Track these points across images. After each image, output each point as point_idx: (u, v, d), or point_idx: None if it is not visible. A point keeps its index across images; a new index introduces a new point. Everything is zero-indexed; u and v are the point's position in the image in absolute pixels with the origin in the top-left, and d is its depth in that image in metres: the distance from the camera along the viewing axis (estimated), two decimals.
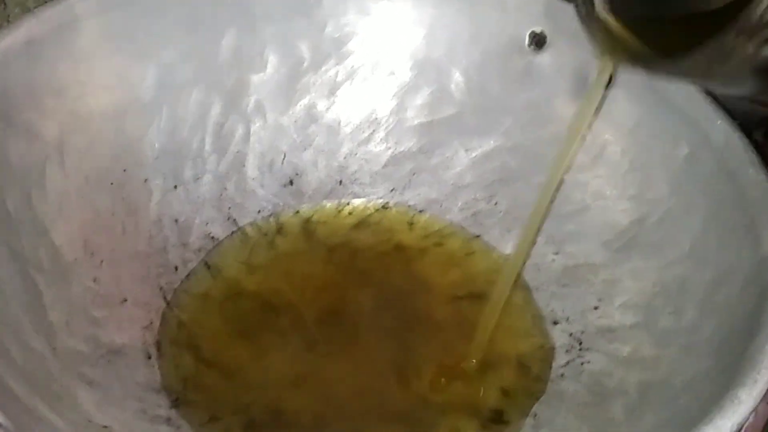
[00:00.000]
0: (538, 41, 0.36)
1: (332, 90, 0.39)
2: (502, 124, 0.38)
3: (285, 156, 0.39)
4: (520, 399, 0.31)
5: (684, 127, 0.32)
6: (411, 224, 0.39)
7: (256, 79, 0.38)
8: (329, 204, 0.39)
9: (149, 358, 0.32)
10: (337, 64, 0.39)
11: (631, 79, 0.32)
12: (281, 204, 0.39)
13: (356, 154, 0.40)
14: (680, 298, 0.29)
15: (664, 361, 0.28)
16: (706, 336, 0.27)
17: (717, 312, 0.27)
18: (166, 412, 0.30)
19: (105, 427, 0.27)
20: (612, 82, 0.32)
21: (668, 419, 0.25)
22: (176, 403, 0.31)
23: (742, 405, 0.20)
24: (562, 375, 0.32)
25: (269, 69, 0.38)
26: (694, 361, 0.26)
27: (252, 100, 0.38)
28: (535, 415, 0.30)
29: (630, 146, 0.34)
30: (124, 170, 0.35)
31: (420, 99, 0.39)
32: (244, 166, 0.38)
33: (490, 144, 0.38)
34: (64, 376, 0.28)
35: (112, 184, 0.34)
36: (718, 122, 0.30)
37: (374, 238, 0.38)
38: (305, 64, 0.38)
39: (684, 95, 0.32)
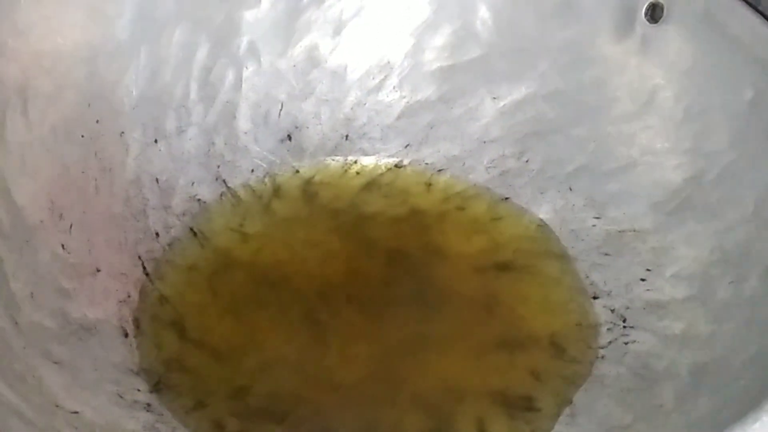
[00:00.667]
0: None
1: (337, 29, 0.39)
2: (537, 68, 0.38)
3: (282, 106, 0.39)
4: (554, 384, 0.31)
5: (748, 68, 0.31)
6: (429, 185, 0.39)
7: (249, 15, 0.38)
8: (334, 162, 0.39)
9: (126, 336, 0.32)
10: None
11: (687, 11, 0.32)
12: (278, 162, 0.39)
13: (365, 104, 0.40)
14: (742, 266, 0.29)
15: (722, 338, 0.28)
16: None
17: None
18: (146, 396, 0.30)
19: (75, 412, 0.27)
20: (663, 14, 0.32)
21: (725, 403, 0.25)
22: (157, 386, 0.31)
23: None
24: (602, 357, 0.32)
25: (264, 4, 0.38)
26: (757, 336, 0.26)
27: (244, 40, 0.38)
28: (571, 402, 0.30)
29: (685, 91, 0.34)
30: (97, 121, 0.35)
31: (440, 39, 0.39)
32: (235, 117, 0.38)
33: (521, 91, 0.38)
34: (28, 355, 0.28)
35: (82, 136, 0.34)
36: None
37: (386, 202, 0.38)
38: None
39: (748, 30, 0.31)
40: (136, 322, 0.33)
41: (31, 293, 0.30)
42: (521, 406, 0.31)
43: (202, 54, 0.38)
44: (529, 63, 0.38)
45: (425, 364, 0.32)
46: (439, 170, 0.39)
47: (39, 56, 0.33)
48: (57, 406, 0.27)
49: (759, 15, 0.31)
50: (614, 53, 0.36)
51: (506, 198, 0.38)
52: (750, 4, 0.31)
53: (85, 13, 0.34)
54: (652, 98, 0.35)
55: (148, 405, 0.30)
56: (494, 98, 0.38)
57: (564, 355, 0.32)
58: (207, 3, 0.37)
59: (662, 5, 0.34)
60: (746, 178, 0.31)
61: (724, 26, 0.32)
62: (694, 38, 0.33)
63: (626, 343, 0.31)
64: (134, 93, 0.36)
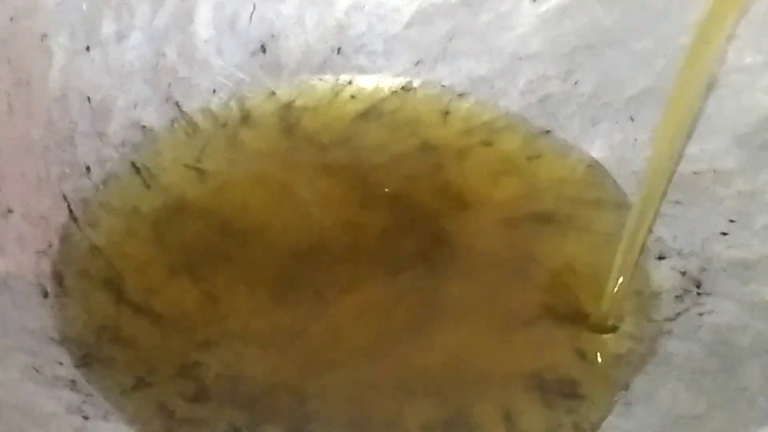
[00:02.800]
0: None
1: None
2: None
3: (254, 8, 0.40)
4: (605, 365, 0.32)
5: None
6: (445, 114, 0.39)
7: None
8: (321, 83, 0.40)
9: (46, 295, 0.32)
10: None
11: None
12: (248, 81, 0.39)
13: (364, 6, 0.40)
14: None
15: None
16: None
17: None
18: (70, 372, 0.31)
19: None
20: None
21: None
22: (85, 360, 0.31)
23: None
24: (669, 331, 0.32)
25: None
26: None
27: None
28: (627, 388, 0.31)
29: None
30: (11, 18, 0.35)
31: None
32: (191, 21, 0.39)
33: None
34: None
35: None
36: None
37: (389, 134, 0.39)
38: None
39: None
40: (59, 279, 0.33)
41: None
42: (562, 392, 0.31)
43: None
44: None
45: (436, 341, 0.33)
46: (460, 94, 0.40)
47: None
48: None
49: None
50: None
51: (547, 131, 0.38)
52: None
53: None
54: None
55: (73, 382, 0.30)
56: (533, 0, 0.38)
57: (619, 330, 0.32)
58: None
59: None
60: None
61: None
62: None
63: (701, 314, 0.32)
64: None
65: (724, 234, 0.33)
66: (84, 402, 0.30)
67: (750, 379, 0.29)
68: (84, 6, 0.37)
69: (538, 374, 0.32)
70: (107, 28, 0.38)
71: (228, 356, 0.32)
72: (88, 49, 0.37)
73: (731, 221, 0.33)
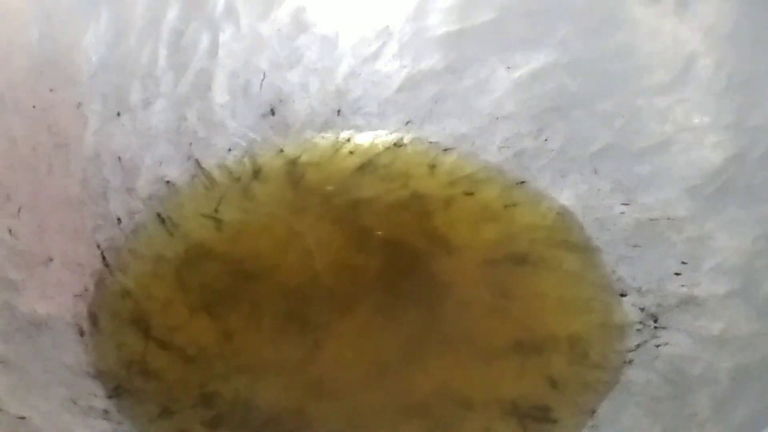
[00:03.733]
0: None
1: None
2: (556, 33, 0.39)
3: (265, 76, 0.40)
4: (574, 392, 0.31)
5: None
6: (433, 167, 0.39)
7: None
8: (323, 140, 0.40)
9: (82, 334, 0.32)
10: None
11: None
12: (259, 140, 0.39)
13: (360, 74, 0.40)
14: None
15: (765, 338, 0.28)
16: None
17: None
18: (103, 402, 0.31)
19: (21, 417, 0.28)
20: None
21: (766, 409, 0.25)
22: (116, 391, 0.31)
23: None
24: (630, 361, 0.32)
25: None
26: None
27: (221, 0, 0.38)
28: (594, 413, 0.30)
29: (727, 57, 0.34)
30: (51, 90, 0.35)
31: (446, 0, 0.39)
32: (210, 88, 0.39)
33: (539, 59, 0.39)
34: None
35: (34, 107, 0.35)
36: None
37: (383, 186, 0.39)
38: None
39: None
40: (94, 319, 0.33)
41: None
42: (536, 416, 0.31)
43: (172, 15, 0.38)
44: (548, 27, 0.38)
45: (426, 370, 0.33)
46: (445, 150, 0.39)
47: None
48: (1, 410, 0.27)
49: None
50: (645, 15, 0.36)
51: (522, 182, 0.38)
52: None
53: None
54: (688, 66, 0.35)
55: (106, 412, 0.30)
56: (508, 68, 0.39)
57: (586, 359, 0.32)
58: None
59: None
60: None
61: None
62: None
63: (657, 346, 0.32)
64: (94, 59, 0.37)
65: (677, 274, 0.33)
66: (115, 430, 0.30)
67: (699, 406, 0.29)
68: (114, 77, 0.37)
69: (514, 401, 0.32)
70: (135, 96, 0.37)
71: (241, 386, 0.32)
72: (118, 114, 0.37)
73: (683, 263, 0.33)
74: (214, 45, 0.39)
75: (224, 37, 0.39)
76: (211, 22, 0.39)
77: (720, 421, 0.27)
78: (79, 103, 0.36)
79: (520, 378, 0.32)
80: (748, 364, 0.28)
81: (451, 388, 0.32)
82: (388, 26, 0.40)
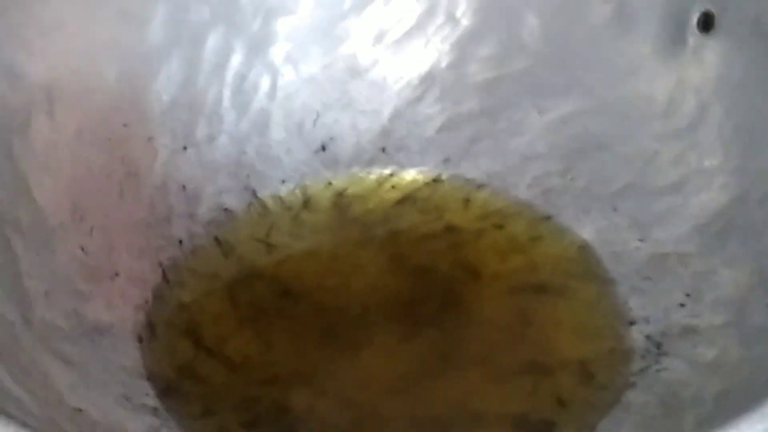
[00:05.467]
0: None
1: (378, 37, 0.42)
2: (584, 81, 0.40)
3: (318, 116, 0.42)
4: (578, 410, 0.33)
5: None
6: (467, 201, 0.41)
7: (286, 22, 0.42)
8: (368, 175, 0.42)
9: (140, 341, 0.35)
10: (386, 4, 0.42)
11: (737, 20, 0.34)
12: (310, 173, 0.41)
13: (404, 116, 0.42)
14: None
15: (750, 364, 0.30)
16: None
17: None
18: (153, 401, 0.33)
19: (78, 410, 0.30)
20: (714, 24, 0.34)
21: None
22: (166, 392, 0.34)
23: None
24: (633, 384, 0.33)
25: (302, 10, 0.41)
26: None
27: (281, 47, 0.42)
28: (594, 429, 0.32)
29: (736, 105, 0.35)
30: (125, 125, 0.38)
31: (485, 49, 0.42)
32: (267, 126, 0.41)
33: (568, 105, 0.40)
34: (36, 351, 0.31)
35: (109, 140, 0.38)
36: None
37: (421, 217, 0.40)
38: (346, 5, 0.41)
39: None
40: (152, 328, 0.35)
41: (46, 292, 0.33)
42: (541, 430, 0.32)
43: (236, 60, 0.41)
44: (577, 76, 0.40)
45: (445, 385, 0.34)
46: (479, 186, 0.41)
47: (67, 56, 0.36)
48: (61, 401, 0.30)
49: None
50: (665, 66, 0.38)
51: (548, 217, 0.39)
52: None
53: (117, 14, 0.38)
54: (702, 113, 0.36)
55: (155, 409, 0.32)
56: (540, 112, 0.40)
57: (593, 381, 0.34)
58: (243, 7, 0.40)
59: (713, 14, 0.36)
60: None
61: None
62: (744, 48, 0.35)
63: (658, 371, 0.33)
64: (164, 98, 0.39)
65: (682, 305, 0.35)
66: (162, 426, 0.32)
67: (686, 424, 0.30)
68: (182, 115, 0.40)
69: (524, 416, 0.33)
70: (201, 131, 0.40)
71: (277, 393, 0.34)
72: (185, 148, 0.40)
73: (687, 295, 0.35)
74: (273, 88, 0.41)
75: (283, 80, 0.41)
76: (271, 67, 0.41)
77: None
78: (150, 137, 0.39)
79: (531, 396, 0.34)
80: (731, 387, 0.30)
81: (466, 403, 0.34)
82: (431, 72, 0.42)
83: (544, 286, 0.37)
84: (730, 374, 0.30)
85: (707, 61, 0.36)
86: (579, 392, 0.33)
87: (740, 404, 0.27)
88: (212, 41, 0.40)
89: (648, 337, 0.34)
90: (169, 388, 0.34)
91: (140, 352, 0.35)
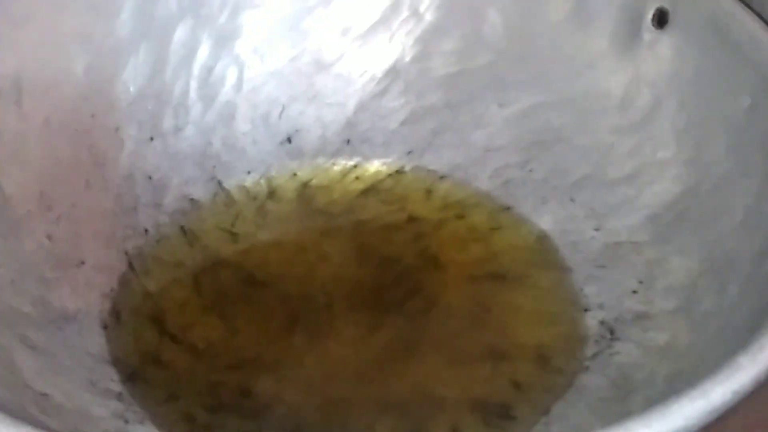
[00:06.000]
0: None
1: (344, 31, 0.43)
2: (545, 75, 0.41)
3: (283, 108, 0.42)
4: (534, 394, 0.34)
5: (747, 74, 0.34)
6: (429, 192, 0.42)
7: (252, 15, 0.42)
8: (333, 166, 0.42)
9: (105, 327, 0.35)
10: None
11: (692, 17, 0.35)
12: (275, 164, 0.42)
13: (369, 108, 0.43)
14: (726, 275, 0.32)
15: (699, 347, 0.31)
16: (744, 314, 0.29)
17: (759, 286, 0.29)
18: (118, 386, 0.33)
19: (44, 394, 0.31)
20: (668, 19, 0.35)
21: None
22: (131, 378, 0.34)
23: (741, 371, 0.23)
24: (586, 368, 0.34)
25: (269, 3, 0.42)
26: (728, 343, 0.28)
27: (247, 40, 0.42)
28: (548, 411, 0.33)
29: (688, 99, 0.36)
30: (92, 115, 0.39)
31: (448, 44, 0.43)
32: (234, 118, 0.42)
33: (528, 99, 0.41)
34: (2, 336, 0.32)
35: (76, 130, 0.38)
36: None
37: (384, 208, 0.41)
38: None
39: (747, 36, 0.34)
40: (117, 315, 0.36)
41: (12, 280, 0.34)
42: (498, 414, 0.33)
43: (203, 53, 0.41)
44: (537, 71, 0.41)
45: (406, 371, 0.35)
46: (441, 177, 0.42)
47: (36, 47, 0.37)
48: (27, 386, 0.31)
49: (759, 20, 0.34)
50: (621, 61, 0.39)
51: (508, 207, 0.40)
52: (748, 6, 0.34)
53: (86, 7, 0.38)
54: (656, 107, 0.37)
55: (120, 394, 0.33)
56: (500, 105, 0.41)
57: (548, 365, 0.35)
58: (209, 1, 0.41)
59: (668, 10, 0.37)
60: (738, 187, 0.33)
61: (726, 32, 0.35)
62: (698, 45, 0.36)
63: (611, 355, 0.34)
64: (132, 89, 0.40)
65: (635, 292, 0.35)
66: (126, 410, 0.33)
67: (635, 405, 0.31)
68: (149, 106, 0.40)
69: (481, 399, 0.34)
70: (167, 123, 0.41)
71: (241, 377, 0.35)
72: (152, 139, 0.40)
73: (640, 282, 0.35)
74: (240, 80, 0.42)
75: (249, 73, 0.42)
76: (238, 60, 0.42)
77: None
78: (117, 128, 0.39)
79: (489, 381, 0.35)
80: (681, 370, 0.30)
81: (426, 388, 0.35)
82: (395, 66, 0.42)
83: (504, 274, 0.38)
84: (680, 357, 0.31)
85: (662, 56, 0.37)
86: (535, 376, 0.34)
87: (688, 384, 0.28)
88: (179, 34, 0.41)
89: (602, 322, 0.35)
90: (134, 374, 0.34)
91: (105, 339, 0.35)
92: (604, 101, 0.39)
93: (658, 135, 0.37)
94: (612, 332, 0.35)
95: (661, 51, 0.38)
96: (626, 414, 0.28)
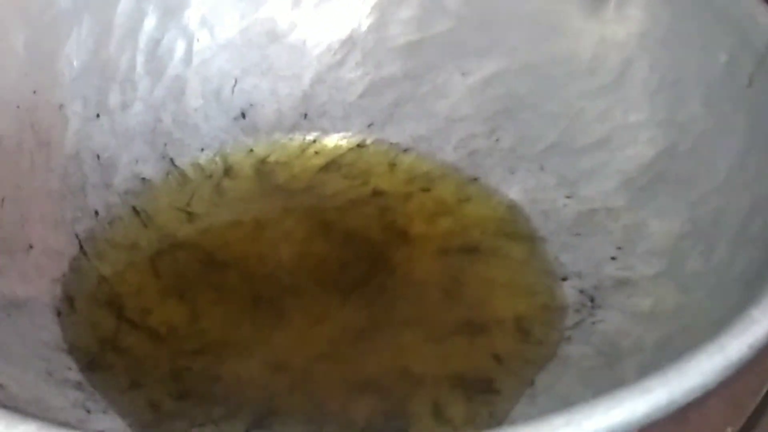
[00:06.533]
0: None
1: (297, 1, 0.41)
2: (507, 41, 0.40)
3: (236, 82, 0.41)
4: (516, 366, 0.33)
5: (722, 31, 0.33)
6: (392, 166, 0.40)
7: None
8: (291, 142, 0.41)
9: (59, 314, 0.33)
10: None
11: None
12: (230, 141, 0.41)
13: (326, 81, 0.42)
14: (712, 235, 0.31)
15: (688, 310, 0.30)
16: (736, 273, 0.28)
17: (751, 244, 0.28)
18: (77, 375, 0.32)
19: None
20: None
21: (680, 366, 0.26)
22: (90, 366, 0.32)
23: (755, 324, 0.22)
24: (568, 338, 0.33)
25: None
26: (721, 303, 0.28)
27: (196, 11, 0.41)
28: (533, 383, 0.32)
29: (660, 59, 0.36)
30: (34, 92, 0.37)
31: (406, 11, 0.41)
32: (184, 93, 0.40)
33: (492, 66, 0.40)
34: None
35: (18, 107, 0.36)
36: (760, 21, 0.31)
37: (346, 183, 0.40)
38: None
39: None
40: (70, 301, 0.34)
41: None
42: (480, 388, 0.32)
43: (149, 25, 0.40)
44: (499, 36, 0.40)
45: (380, 348, 0.34)
46: (405, 150, 0.41)
47: None
48: None
49: None
50: (587, 24, 0.38)
51: (475, 179, 0.39)
52: None
53: None
54: (626, 69, 0.37)
55: (79, 384, 0.31)
56: (463, 74, 0.40)
57: (528, 337, 0.34)
58: None
59: None
60: (719, 146, 0.32)
61: None
62: (669, 2, 0.35)
63: (594, 323, 0.33)
64: (75, 64, 0.38)
65: (614, 258, 0.35)
66: (87, 399, 0.31)
67: (626, 373, 0.30)
68: (94, 81, 0.38)
69: (461, 375, 0.33)
70: (114, 99, 0.39)
71: (207, 362, 0.33)
72: (98, 116, 0.38)
73: (618, 248, 0.35)
74: (189, 53, 0.40)
75: (198, 45, 0.40)
76: (186, 31, 0.40)
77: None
78: (61, 105, 0.37)
79: (467, 355, 0.33)
80: (671, 333, 0.30)
81: (403, 365, 0.33)
82: (351, 36, 0.41)
83: (475, 246, 0.37)
84: (669, 321, 0.30)
85: (630, 16, 0.37)
86: (515, 348, 0.33)
87: (682, 349, 0.27)
88: (124, 4, 0.39)
89: (581, 291, 0.34)
90: (93, 362, 0.33)
91: (60, 326, 0.33)
92: (571, 65, 0.38)
93: (629, 97, 0.36)
94: (592, 300, 0.34)
95: (630, 11, 0.37)
96: (618, 381, 0.28)
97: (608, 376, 0.30)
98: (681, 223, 0.33)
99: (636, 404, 0.20)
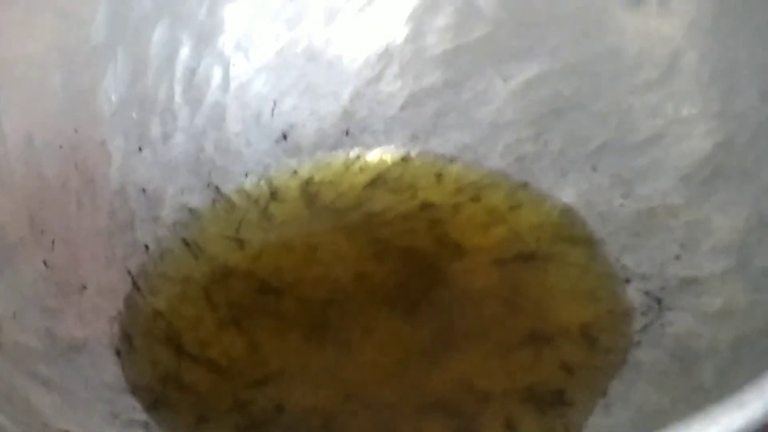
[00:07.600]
0: None
1: (330, 16, 0.41)
2: (547, 42, 0.40)
3: (275, 104, 0.41)
4: (586, 375, 0.32)
5: None
6: (439, 177, 0.40)
7: (233, 7, 0.40)
8: (334, 160, 0.41)
9: (118, 354, 0.33)
10: None
11: None
12: (274, 164, 0.40)
13: (365, 95, 0.41)
14: None
15: (762, 307, 0.29)
16: None
17: None
18: (143, 415, 0.31)
19: (64, 431, 0.29)
20: None
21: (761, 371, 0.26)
22: (154, 405, 0.32)
23: None
24: (638, 342, 0.32)
25: None
26: None
27: (230, 35, 0.40)
28: (605, 393, 0.31)
29: (710, 49, 0.35)
30: (76, 130, 0.37)
31: (442, 19, 0.41)
32: (224, 119, 0.40)
33: (533, 68, 0.40)
34: (13, 376, 0.29)
35: (61, 147, 0.36)
36: None
37: (394, 198, 0.40)
38: None
39: None
40: (128, 340, 0.34)
41: (14, 313, 0.31)
42: (552, 401, 0.32)
43: (184, 53, 0.39)
44: (539, 37, 0.39)
45: (447, 366, 0.33)
46: (450, 160, 0.40)
47: (9, 64, 0.35)
48: (46, 425, 0.28)
49: None
50: (630, 18, 0.37)
51: (525, 184, 0.39)
52: None
53: (56, 17, 0.36)
54: (674, 62, 0.36)
55: (146, 424, 0.31)
56: (504, 79, 0.40)
57: (596, 345, 0.33)
58: None
59: None
60: None
61: None
62: None
63: (663, 326, 0.32)
64: (113, 98, 0.38)
65: (678, 257, 0.34)
66: None
67: (705, 377, 0.29)
68: (134, 114, 0.38)
69: (531, 388, 0.32)
70: (155, 131, 0.39)
71: (271, 392, 0.33)
72: (140, 149, 0.38)
73: (682, 246, 0.34)
74: (226, 78, 0.40)
75: (235, 70, 0.40)
76: (222, 57, 0.40)
77: (723, 388, 0.28)
78: (103, 141, 0.37)
79: (535, 367, 0.33)
80: (747, 333, 0.29)
81: (470, 382, 0.33)
82: (388, 48, 0.41)
83: (531, 254, 0.37)
84: (743, 320, 0.30)
85: (674, 8, 0.36)
86: (583, 357, 0.33)
87: (760, 349, 0.26)
88: (158, 35, 0.39)
89: (647, 293, 0.34)
90: (157, 400, 0.32)
91: (120, 366, 0.33)
92: (616, 61, 0.38)
93: (680, 91, 0.36)
94: (660, 302, 0.33)
95: (673, 2, 0.36)
96: (696, 387, 0.27)
97: (684, 381, 0.30)
98: (746, 217, 0.32)
99: (733, 419, 0.19)
